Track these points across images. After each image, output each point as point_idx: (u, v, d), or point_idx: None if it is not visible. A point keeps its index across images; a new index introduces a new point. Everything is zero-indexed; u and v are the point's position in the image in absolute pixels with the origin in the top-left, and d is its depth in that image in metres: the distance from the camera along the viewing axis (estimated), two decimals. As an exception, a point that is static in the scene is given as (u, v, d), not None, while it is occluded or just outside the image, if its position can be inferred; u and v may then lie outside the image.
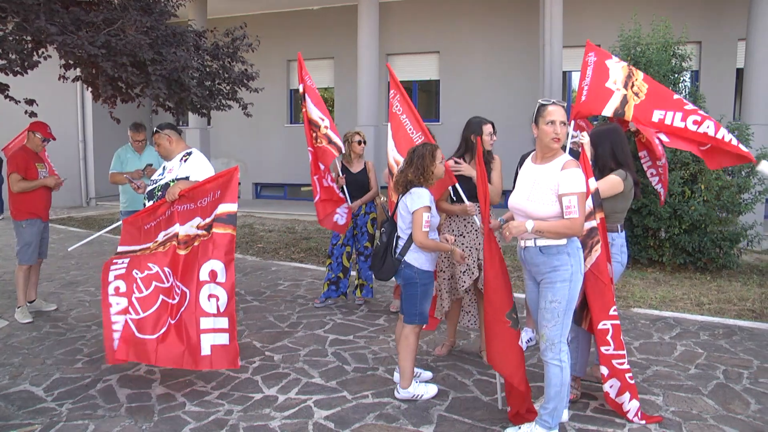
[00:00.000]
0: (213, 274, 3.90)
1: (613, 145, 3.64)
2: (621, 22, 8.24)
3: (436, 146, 3.69)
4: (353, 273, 5.99)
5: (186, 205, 4.14)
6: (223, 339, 3.80)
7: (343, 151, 5.54)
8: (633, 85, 3.77)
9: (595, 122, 4.07)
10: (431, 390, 3.73)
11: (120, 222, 4.99)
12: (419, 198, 3.53)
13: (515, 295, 3.55)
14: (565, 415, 3.39)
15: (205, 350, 3.77)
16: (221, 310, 3.83)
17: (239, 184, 4.15)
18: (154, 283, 3.89)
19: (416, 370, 3.92)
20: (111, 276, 3.94)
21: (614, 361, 3.41)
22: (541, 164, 3.16)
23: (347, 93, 13.48)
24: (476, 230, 4.22)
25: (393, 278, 3.77)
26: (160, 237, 4.17)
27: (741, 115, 10.07)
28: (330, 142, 5.32)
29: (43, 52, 5.72)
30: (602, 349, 3.43)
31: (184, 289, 3.92)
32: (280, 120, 14.80)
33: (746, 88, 9.74)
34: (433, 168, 3.60)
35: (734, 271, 7.21)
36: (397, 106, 4.45)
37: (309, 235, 9.98)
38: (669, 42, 7.39)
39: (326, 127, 5.33)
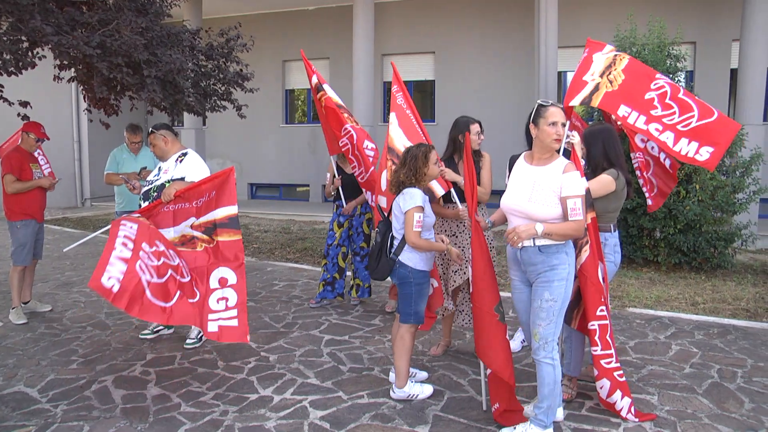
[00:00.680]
0: (223, 281, 3.92)
1: (605, 145, 3.66)
2: (616, 23, 8.28)
3: (431, 148, 3.69)
4: (348, 273, 5.99)
5: (181, 205, 4.14)
6: (233, 323, 3.79)
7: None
8: (610, 74, 3.79)
9: (590, 122, 4.09)
10: (426, 390, 3.74)
11: (115, 223, 4.98)
12: (411, 198, 3.53)
13: (502, 294, 3.56)
14: (560, 414, 3.39)
15: (212, 328, 3.76)
16: (229, 306, 3.84)
17: (235, 185, 4.15)
18: (162, 258, 3.78)
19: (412, 370, 3.92)
20: (118, 235, 3.70)
21: (602, 361, 3.43)
22: (538, 166, 3.16)
23: (343, 93, 13.31)
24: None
25: (389, 278, 3.77)
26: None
27: (735, 115, 10.10)
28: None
29: (37, 52, 5.70)
30: (591, 349, 3.45)
31: (196, 277, 3.91)
32: (275, 120, 14.78)
33: (740, 88, 9.78)
34: (426, 169, 3.60)
35: (729, 270, 7.24)
36: (401, 100, 4.44)
37: (304, 235, 9.97)
38: (664, 42, 7.41)
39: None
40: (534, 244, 3.11)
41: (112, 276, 3.53)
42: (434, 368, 4.23)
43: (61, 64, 5.94)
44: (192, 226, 4.10)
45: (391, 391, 3.75)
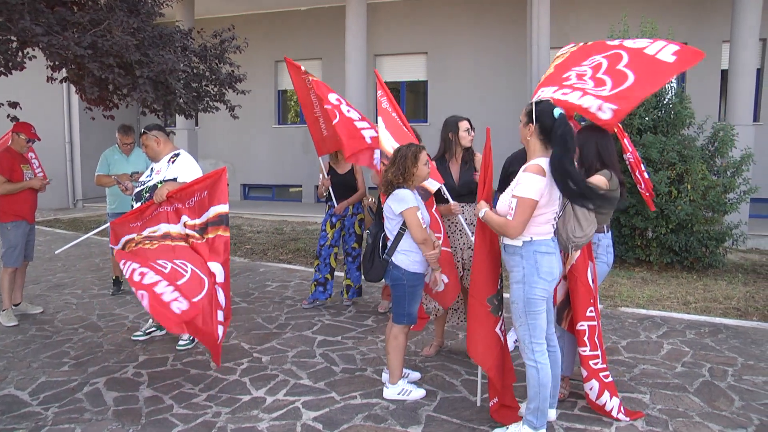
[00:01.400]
0: (213, 276, 3.95)
1: (598, 146, 3.66)
2: (608, 24, 8.32)
3: (421, 148, 3.69)
4: (340, 274, 5.99)
5: (174, 206, 4.13)
6: (221, 332, 3.81)
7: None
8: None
9: (583, 122, 4.09)
10: (418, 392, 3.74)
11: (107, 224, 4.97)
12: (402, 200, 3.53)
13: (506, 294, 3.57)
14: (553, 414, 3.40)
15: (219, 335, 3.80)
16: (222, 305, 3.86)
17: (227, 185, 4.15)
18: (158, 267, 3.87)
19: (405, 370, 3.92)
20: (129, 270, 3.85)
21: (590, 362, 3.45)
22: None
23: (336, 94, 13.44)
24: (461, 230, 4.24)
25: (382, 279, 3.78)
26: (146, 232, 4.15)
27: (726, 115, 10.18)
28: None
29: (27, 53, 5.66)
30: (580, 350, 3.47)
31: (194, 268, 3.88)
32: (268, 121, 14.76)
33: (730, 89, 9.85)
34: (415, 170, 3.59)
35: (720, 270, 7.29)
36: (386, 104, 4.44)
37: (297, 236, 9.96)
38: (655, 43, 7.43)
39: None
40: (502, 241, 3.17)
41: (171, 300, 3.65)
42: (427, 368, 4.23)
43: (53, 64, 5.90)
44: (186, 225, 4.09)
45: (384, 388, 3.75)
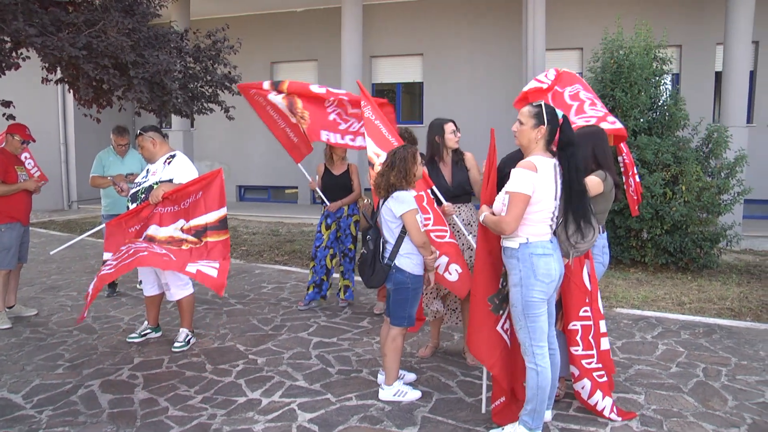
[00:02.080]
0: (221, 273, 4.12)
1: (594, 147, 3.67)
2: (603, 26, 8.34)
3: (417, 148, 3.71)
4: (336, 275, 5.99)
5: (170, 208, 4.13)
6: (211, 271, 3.88)
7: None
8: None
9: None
10: (414, 394, 3.75)
11: (102, 225, 4.95)
12: (404, 202, 3.53)
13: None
14: (548, 415, 3.41)
15: (190, 270, 3.94)
16: (212, 258, 3.94)
17: (224, 187, 4.16)
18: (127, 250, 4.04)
19: (400, 372, 3.92)
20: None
21: (583, 362, 3.46)
22: None
23: (331, 95, 13.44)
24: (458, 231, 4.24)
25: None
26: (143, 238, 4.16)
27: (720, 117, 10.23)
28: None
29: (21, 53, 5.64)
30: (572, 349, 3.47)
31: (169, 247, 4.07)
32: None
33: (725, 91, 9.90)
34: (415, 170, 3.62)
35: (714, 270, 7.32)
36: (368, 113, 4.36)
37: (293, 237, 9.95)
38: (650, 45, 7.48)
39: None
40: (502, 243, 3.17)
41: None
42: (422, 370, 4.23)
43: (48, 66, 5.89)
44: (182, 229, 4.09)
45: (380, 389, 3.75)
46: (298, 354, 4.57)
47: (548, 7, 10.38)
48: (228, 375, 4.16)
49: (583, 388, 3.47)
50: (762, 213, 11.34)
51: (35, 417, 3.55)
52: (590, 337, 3.45)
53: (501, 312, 3.38)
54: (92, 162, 6.09)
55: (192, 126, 13.45)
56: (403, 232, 3.59)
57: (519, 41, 11.44)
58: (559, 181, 3.07)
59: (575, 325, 3.43)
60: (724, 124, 9.02)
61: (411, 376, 4.03)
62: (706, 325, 5.21)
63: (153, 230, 4.12)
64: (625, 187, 4.48)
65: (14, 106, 6.08)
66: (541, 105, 3.10)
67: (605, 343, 3.56)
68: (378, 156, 4.03)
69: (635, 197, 4.42)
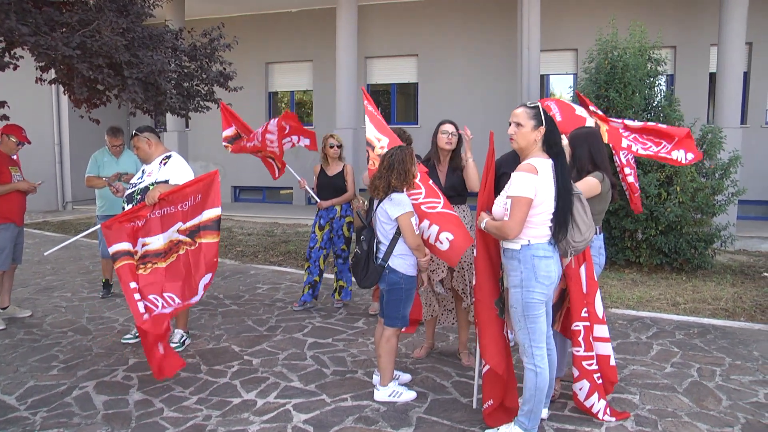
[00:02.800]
0: (206, 287, 4.08)
1: (590, 148, 3.69)
2: (598, 27, 8.36)
3: (411, 148, 3.73)
4: (331, 276, 5.99)
5: (166, 209, 4.11)
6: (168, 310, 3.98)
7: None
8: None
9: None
10: (409, 394, 3.75)
11: (97, 226, 4.93)
12: (400, 204, 3.53)
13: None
14: (545, 413, 3.42)
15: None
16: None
17: (219, 188, 4.15)
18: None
19: (395, 372, 3.92)
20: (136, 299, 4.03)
21: (584, 363, 3.47)
22: None
23: (326, 96, 13.47)
24: None
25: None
26: (138, 246, 4.12)
27: (714, 118, 10.27)
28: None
29: (15, 53, 5.61)
30: (573, 350, 3.48)
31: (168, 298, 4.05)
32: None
33: (719, 92, 9.94)
34: (414, 170, 3.63)
35: (709, 271, 7.34)
36: (371, 108, 4.43)
37: (288, 238, 9.94)
38: (645, 47, 7.51)
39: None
40: (502, 245, 3.17)
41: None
42: (418, 370, 4.23)
43: (44, 66, 5.86)
44: (179, 231, 4.08)
45: (375, 390, 3.75)
46: (293, 355, 4.56)
47: (543, 7, 10.40)
48: (223, 376, 4.15)
49: (580, 389, 3.48)
50: (756, 214, 11.40)
51: (29, 418, 3.53)
52: (590, 338, 3.46)
53: (505, 315, 3.38)
54: (87, 162, 6.07)
55: (187, 126, 13.41)
56: (398, 233, 3.59)
57: (514, 42, 11.46)
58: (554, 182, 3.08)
59: (578, 325, 3.44)
60: (718, 125, 9.05)
61: (406, 377, 4.03)
62: (701, 326, 5.23)
63: (156, 242, 4.10)
64: (624, 185, 4.51)
65: (9, 107, 6.05)
66: (538, 106, 3.11)
67: (606, 349, 3.55)
68: (379, 140, 4.05)
69: (635, 194, 4.46)
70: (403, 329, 3.78)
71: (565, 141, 3.62)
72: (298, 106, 15.02)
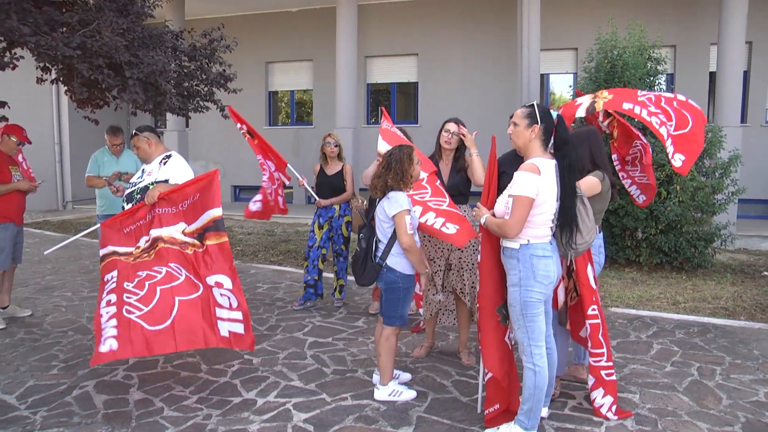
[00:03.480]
0: (219, 285, 3.93)
1: (591, 147, 3.69)
2: (598, 26, 8.36)
3: (413, 148, 3.71)
4: (331, 275, 5.99)
5: (166, 209, 4.11)
6: (239, 329, 3.83)
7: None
8: (597, 96, 3.98)
9: (572, 125, 4.15)
10: (409, 393, 3.75)
11: (97, 225, 4.93)
12: (396, 202, 3.53)
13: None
14: (544, 411, 3.42)
15: (224, 333, 3.81)
16: (233, 306, 3.86)
17: (219, 188, 4.14)
18: (146, 283, 3.89)
19: (395, 371, 3.93)
20: (104, 294, 3.93)
21: (591, 359, 3.49)
22: None
23: (326, 95, 13.48)
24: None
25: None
26: (142, 242, 4.12)
27: (714, 117, 10.27)
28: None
29: (15, 53, 5.61)
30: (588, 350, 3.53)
31: (188, 274, 3.93)
32: (258, 122, 14.72)
33: (719, 91, 9.94)
34: (412, 171, 3.62)
35: (709, 270, 7.35)
36: (386, 125, 4.59)
37: (288, 237, 9.94)
38: (645, 46, 7.51)
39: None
40: (501, 244, 3.17)
41: (107, 337, 3.65)
42: (418, 370, 4.23)
43: (45, 66, 5.86)
44: (184, 233, 4.06)
45: (375, 389, 3.75)
46: (294, 354, 4.56)
47: (543, 7, 10.40)
48: (223, 375, 4.16)
49: (590, 384, 3.51)
50: (756, 213, 11.40)
51: (30, 418, 3.53)
52: (599, 336, 3.46)
53: (508, 322, 3.38)
54: (87, 162, 6.07)
55: (187, 126, 13.42)
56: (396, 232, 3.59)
57: (514, 41, 11.45)
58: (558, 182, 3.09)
59: (585, 324, 3.46)
60: (718, 124, 9.05)
61: (406, 376, 4.03)
62: (701, 325, 5.23)
63: (156, 232, 4.09)
64: (625, 183, 4.48)
65: (9, 107, 6.05)
66: (533, 105, 3.13)
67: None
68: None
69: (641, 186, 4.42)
70: (412, 329, 3.78)
71: None
72: (298, 106, 15.03)
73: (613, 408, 3.46)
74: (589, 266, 3.47)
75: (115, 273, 3.98)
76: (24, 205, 5.54)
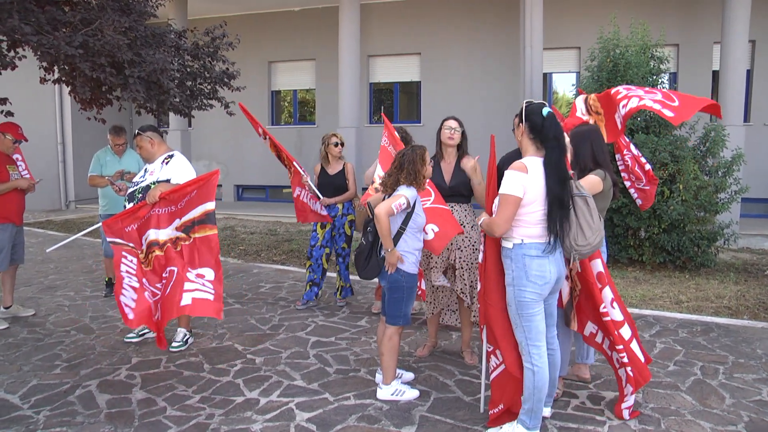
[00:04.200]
0: (200, 276, 3.95)
1: (593, 146, 3.68)
2: (600, 25, 8.34)
3: (425, 148, 3.71)
4: (333, 275, 5.99)
5: (167, 208, 4.11)
6: (207, 296, 3.87)
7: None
8: (591, 107, 3.99)
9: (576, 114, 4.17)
10: (412, 393, 3.75)
11: (99, 224, 4.94)
12: (400, 191, 3.55)
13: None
14: (547, 412, 3.42)
15: (186, 301, 3.85)
16: (208, 279, 3.94)
17: (220, 186, 4.15)
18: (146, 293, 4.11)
19: (398, 371, 3.92)
20: (122, 267, 4.12)
21: (614, 355, 3.49)
22: None
23: (328, 95, 13.48)
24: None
25: (375, 279, 3.77)
26: (144, 244, 4.13)
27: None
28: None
29: (18, 52, 5.62)
30: (604, 347, 3.56)
31: (175, 269, 4.05)
32: (261, 121, 14.68)
33: (721, 90, 9.91)
34: (424, 171, 3.63)
35: (712, 269, 7.33)
36: (384, 141, 4.63)
37: (291, 237, 9.95)
38: (647, 44, 7.49)
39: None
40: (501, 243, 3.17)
41: (127, 301, 4.04)
42: (420, 369, 4.23)
43: (48, 66, 5.86)
44: (177, 228, 4.08)
45: (378, 388, 3.75)
46: (296, 353, 4.57)
47: (546, 6, 10.39)
48: (226, 375, 4.16)
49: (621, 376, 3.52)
50: (759, 212, 11.37)
51: (32, 417, 3.54)
52: (617, 331, 3.43)
53: None
54: (90, 161, 6.08)
55: (190, 125, 13.43)
56: (401, 228, 3.59)
57: (516, 40, 11.44)
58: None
59: (594, 327, 3.53)
60: (721, 122, 9.02)
61: (409, 375, 4.03)
62: (704, 324, 5.22)
63: (153, 234, 4.10)
64: (627, 184, 4.50)
65: (11, 103, 6.06)
66: (523, 103, 3.14)
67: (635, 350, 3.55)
68: (381, 178, 4.13)
69: (647, 187, 4.44)
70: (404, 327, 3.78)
71: (566, 140, 3.61)
72: (301, 105, 15.04)
73: (629, 409, 3.46)
74: (595, 263, 3.43)
75: (134, 261, 4.13)
76: (23, 205, 5.52)
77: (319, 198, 5.60)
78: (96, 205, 6.63)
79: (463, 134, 4.31)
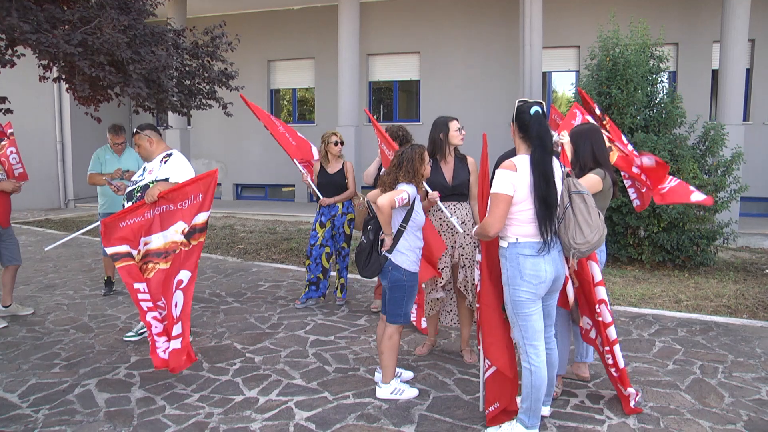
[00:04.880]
0: (179, 283, 3.98)
1: (593, 145, 3.68)
2: (600, 24, 8.34)
3: (425, 147, 3.71)
4: (333, 273, 5.99)
5: (166, 207, 4.11)
6: (177, 344, 3.88)
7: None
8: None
9: (572, 121, 4.14)
10: (411, 392, 3.75)
11: (97, 223, 4.93)
12: (400, 186, 3.55)
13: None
14: (546, 410, 3.42)
15: (164, 356, 3.89)
16: (177, 316, 3.93)
17: (219, 184, 4.15)
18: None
19: (397, 370, 3.92)
20: (143, 305, 4.05)
21: (605, 356, 3.51)
22: None
23: (328, 93, 13.47)
24: (451, 229, 4.22)
25: (375, 277, 3.77)
26: (141, 245, 4.11)
27: (716, 115, 10.25)
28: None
29: (16, 50, 5.61)
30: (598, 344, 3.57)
31: (164, 303, 4.05)
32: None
33: (721, 89, 9.92)
34: (423, 170, 3.63)
35: (711, 268, 7.33)
36: (378, 141, 4.73)
37: (290, 235, 9.94)
38: (647, 43, 7.49)
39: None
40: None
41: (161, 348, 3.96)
42: (420, 368, 4.23)
43: (48, 64, 5.86)
44: (183, 232, 4.07)
45: (377, 387, 3.75)
46: (295, 352, 4.56)
47: (545, 4, 10.39)
48: (225, 373, 4.16)
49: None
50: (758, 211, 11.38)
51: (31, 416, 3.53)
52: (605, 332, 3.47)
53: None
54: (89, 160, 6.07)
55: (189, 124, 13.42)
56: (402, 226, 3.59)
57: (516, 39, 11.43)
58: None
59: (589, 323, 3.55)
60: (721, 121, 9.04)
61: (408, 374, 4.03)
62: (703, 323, 5.22)
63: (156, 240, 4.10)
64: (626, 183, 4.50)
65: (10, 101, 6.05)
66: (516, 102, 3.15)
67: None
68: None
69: (645, 189, 4.45)
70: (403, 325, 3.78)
71: (566, 138, 3.61)
72: (300, 104, 15.03)
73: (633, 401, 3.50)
74: (591, 265, 3.44)
75: (144, 286, 4.05)
76: (9, 207, 5.40)
77: (319, 197, 5.60)
78: (95, 203, 6.62)
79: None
